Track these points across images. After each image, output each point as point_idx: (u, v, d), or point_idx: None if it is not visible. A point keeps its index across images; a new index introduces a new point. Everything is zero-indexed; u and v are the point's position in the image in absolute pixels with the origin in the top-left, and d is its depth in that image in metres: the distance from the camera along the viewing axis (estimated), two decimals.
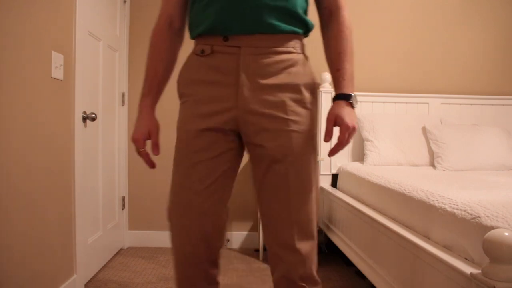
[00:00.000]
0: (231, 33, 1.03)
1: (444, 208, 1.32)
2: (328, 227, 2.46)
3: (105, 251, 2.46)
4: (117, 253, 2.70)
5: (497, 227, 1.05)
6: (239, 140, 1.10)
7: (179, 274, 1.09)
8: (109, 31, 2.47)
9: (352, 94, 1.07)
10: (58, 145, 1.80)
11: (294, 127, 1.04)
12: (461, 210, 1.24)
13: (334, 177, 2.70)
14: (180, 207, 1.06)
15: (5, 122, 1.42)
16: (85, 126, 2.09)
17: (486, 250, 0.93)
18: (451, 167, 2.38)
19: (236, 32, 1.03)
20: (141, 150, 1.12)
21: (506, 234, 0.91)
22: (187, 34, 1.17)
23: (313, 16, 1.13)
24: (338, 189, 2.58)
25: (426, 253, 1.25)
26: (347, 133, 1.03)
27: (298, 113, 1.05)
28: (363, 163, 2.58)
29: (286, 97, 1.04)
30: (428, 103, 2.89)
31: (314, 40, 1.16)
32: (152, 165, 1.15)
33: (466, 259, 1.15)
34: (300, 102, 1.05)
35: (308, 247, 1.07)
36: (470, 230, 1.16)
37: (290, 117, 1.04)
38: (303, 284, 1.06)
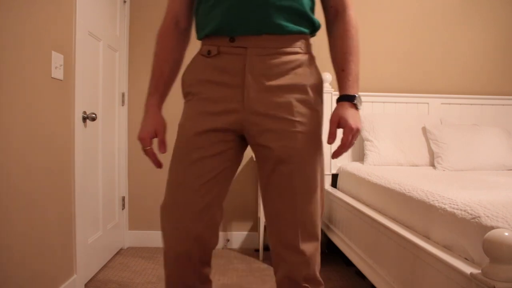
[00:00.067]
0: (238, 33, 1.02)
1: (444, 208, 1.32)
2: (328, 227, 2.46)
3: (105, 251, 2.46)
4: (117, 253, 2.70)
5: (497, 227, 1.05)
6: (240, 140, 1.09)
7: (171, 274, 1.07)
8: (109, 31, 2.47)
9: (357, 95, 1.05)
10: (58, 145, 1.80)
11: (300, 128, 1.03)
12: (461, 210, 1.24)
13: (334, 177, 2.70)
14: (175, 205, 1.05)
15: (5, 122, 1.42)
16: (85, 126, 2.09)
17: (486, 250, 0.93)
18: (451, 167, 2.38)
19: (242, 33, 1.02)
20: (147, 148, 1.12)
21: (506, 234, 0.91)
22: (193, 34, 1.17)
23: (318, 15, 1.12)
24: (338, 189, 2.58)
25: (426, 253, 1.25)
26: (351, 135, 1.02)
27: (304, 114, 1.04)
28: (363, 163, 2.58)
29: (292, 98, 1.03)
30: (428, 103, 2.89)
31: (315, 40, 1.15)
32: (158, 164, 1.14)
33: (466, 259, 1.15)
34: (307, 103, 1.05)
35: (312, 248, 1.06)
36: (470, 230, 1.16)
37: (296, 118, 1.03)
38: (307, 285, 1.06)
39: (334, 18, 1.11)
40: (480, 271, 0.97)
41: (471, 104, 2.91)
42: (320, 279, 1.09)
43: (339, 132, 1.04)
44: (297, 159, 1.03)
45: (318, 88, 1.09)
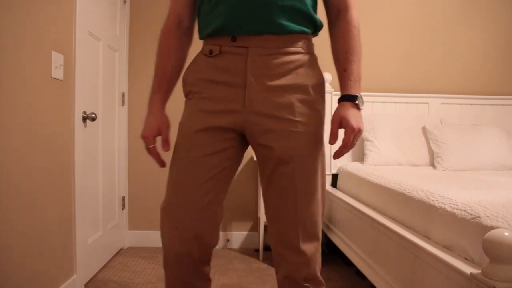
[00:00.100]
0: (240, 33, 1.02)
1: (444, 208, 1.32)
2: (328, 227, 2.46)
3: (105, 251, 2.46)
4: (117, 253, 2.70)
5: (497, 227, 1.05)
6: (241, 139, 1.09)
7: (171, 274, 1.07)
8: (109, 31, 2.47)
9: (358, 95, 1.05)
10: (58, 145, 1.80)
11: (301, 128, 1.03)
12: (461, 210, 1.24)
13: (334, 177, 2.70)
14: (175, 205, 1.05)
15: (5, 122, 1.42)
16: (85, 126, 2.09)
17: (486, 250, 0.93)
18: (451, 167, 2.38)
19: (244, 33, 1.02)
20: (151, 147, 1.11)
21: (506, 234, 0.91)
22: (196, 34, 1.16)
23: (319, 14, 1.11)
24: (338, 189, 2.58)
25: (426, 253, 1.25)
26: (353, 135, 1.01)
27: (305, 115, 1.04)
28: (363, 163, 2.58)
29: (294, 98, 1.03)
30: (428, 103, 2.89)
31: (316, 39, 1.15)
32: (161, 163, 1.13)
33: (466, 259, 1.15)
34: (308, 103, 1.05)
35: (312, 248, 1.06)
36: (470, 230, 1.16)
37: (298, 119, 1.03)
38: (308, 284, 1.06)
39: (336, 18, 1.11)
40: (480, 271, 0.97)
41: (471, 104, 2.91)
42: (321, 279, 1.09)
43: (341, 132, 1.03)
44: (298, 159, 1.03)
45: (319, 88, 1.09)
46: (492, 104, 2.92)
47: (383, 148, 2.54)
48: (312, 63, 1.08)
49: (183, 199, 1.04)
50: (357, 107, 1.04)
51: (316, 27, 1.10)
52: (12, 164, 1.46)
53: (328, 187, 2.63)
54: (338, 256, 2.62)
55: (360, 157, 2.76)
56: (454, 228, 1.24)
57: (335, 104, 1.09)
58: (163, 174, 2.90)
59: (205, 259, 1.08)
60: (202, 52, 1.10)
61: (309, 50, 1.08)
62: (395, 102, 2.88)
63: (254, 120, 1.03)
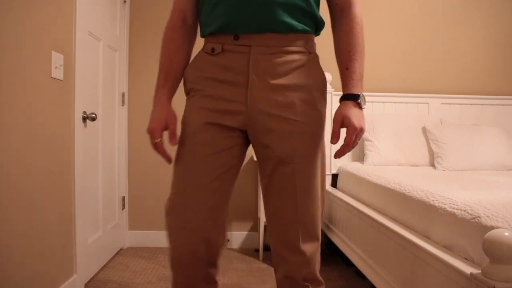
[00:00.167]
0: (242, 31, 1.02)
1: (444, 208, 1.32)
2: (328, 227, 2.46)
3: (105, 251, 2.46)
4: (117, 253, 2.70)
5: (497, 227, 1.05)
6: (244, 137, 1.08)
7: (177, 275, 1.06)
8: (109, 31, 2.47)
9: (360, 94, 1.04)
10: (58, 145, 1.80)
11: (302, 128, 1.03)
12: (461, 210, 1.24)
13: (334, 177, 2.70)
14: (181, 205, 1.04)
15: (5, 122, 1.42)
16: (85, 126, 2.09)
17: (486, 250, 0.93)
18: (451, 167, 2.38)
19: (246, 31, 1.01)
20: (158, 140, 1.07)
21: (506, 234, 0.91)
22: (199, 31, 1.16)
23: (321, 13, 1.11)
24: (338, 189, 2.58)
25: (426, 253, 1.25)
26: (355, 134, 1.01)
27: (307, 114, 1.04)
28: (363, 163, 2.58)
29: (295, 97, 1.02)
30: (428, 103, 2.89)
31: (317, 38, 1.15)
32: (168, 158, 1.09)
33: (466, 259, 1.15)
34: (309, 103, 1.04)
35: (312, 248, 1.06)
36: (470, 230, 1.16)
37: (299, 119, 1.02)
38: (307, 284, 1.06)
39: (340, 15, 1.10)
40: (480, 271, 0.97)
41: (471, 104, 2.91)
42: (321, 278, 1.09)
43: (342, 132, 1.03)
44: (299, 160, 1.03)
45: (321, 88, 1.08)
46: (492, 104, 2.92)
47: (383, 148, 2.55)
48: (314, 62, 1.08)
49: (189, 200, 1.03)
50: (359, 106, 1.03)
51: (318, 26, 1.10)
52: (12, 164, 1.46)
53: (328, 187, 2.63)
54: (338, 256, 2.62)
55: (360, 157, 2.76)
56: (454, 228, 1.24)
57: (335, 104, 1.08)
58: (163, 174, 2.92)
59: (213, 261, 1.08)
60: (203, 50, 1.09)
61: (311, 50, 1.08)
62: (395, 102, 2.88)
63: (256, 118, 1.03)
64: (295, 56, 1.03)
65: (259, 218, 2.69)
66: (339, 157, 1.04)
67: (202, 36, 1.12)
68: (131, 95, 2.84)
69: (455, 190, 1.47)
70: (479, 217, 1.15)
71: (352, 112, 1.02)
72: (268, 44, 1.02)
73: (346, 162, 2.71)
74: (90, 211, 2.20)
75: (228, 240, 2.90)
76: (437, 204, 1.37)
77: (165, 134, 1.09)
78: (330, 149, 2.53)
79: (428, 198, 1.44)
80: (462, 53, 3.00)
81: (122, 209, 2.79)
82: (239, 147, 1.07)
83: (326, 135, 1.13)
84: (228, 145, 1.05)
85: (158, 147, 1.08)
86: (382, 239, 1.60)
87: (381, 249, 1.62)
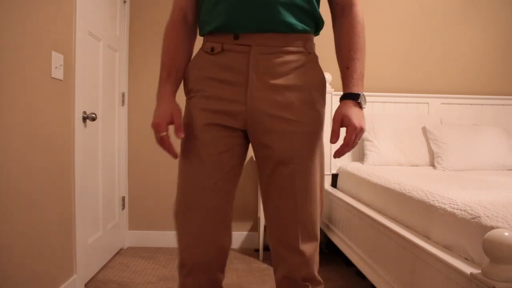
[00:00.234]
0: (242, 31, 1.01)
1: (444, 208, 1.32)
2: (328, 227, 2.46)
3: (105, 251, 2.46)
4: (117, 253, 2.70)
5: (497, 227, 1.05)
6: (245, 137, 1.08)
7: (187, 279, 1.05)
8: (109, 31, 2.47)
9: (361, 94, 1.03)
10: (58, 145, 1.80)
11: (301, 128, 1.03)
12: (461, 210, 1.24)
13: (334, 177, 2.70)
14: (188, 206, 1.04)
15: (5, 122, 1.42)
16: (85, 126, 2.09)
17: (486, 250, 0.93)
18: (451, 167, 2.38)
19: (246, 31, 1.01)
20: (164, 134, 1.04)
21: (506, 234, 0.91)
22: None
23: (322, 12, 1.10)
24: (338, 189, 2.58)
25: (426, 253, 1.25)
26: (354, 134, 1.00)
27: (306, 115, 1.03)
28: (363, 163, 2.58)
29: (294, 97, 1.02)
30: (428, 103, 2.89)
31: (317, 38, 1.15)
32: (174, 153, 1.07)
33: (466, 259, 1.15)
34: (309, 103, 1.04)
35: (311, 248, 1.07)
36: (470, 230, 1.16)
37: (298, 119, 1.02)
38: (307, 283, 1.06)
39: (340, 15, 1.10)
40: (480, 271, 0.97)
41: (471, 104, 2.91)
42: (320, 278, 1.10)
43: (342, 131, 1.02)
44: (298, 160, 1.03)
45: (320, 88, 1.08)
46: (492, 104, 2.92)
47: (383, 148, 2.55)
48: (314, 63, 1.08)
49: (195, 202, 1.03)
50: (359, 106, 1.03)
51: (318, 26, 1.09)
52: (12, 164, 1.46)
53: (328, 187, 2.63)
54: (338, 256, 2.62)
55: (360, 157, 2.76)
56: (454, 228, 1.24)
57: (335, 104, 1.08)
58: (163, 174, 2.92)
59: (221, 263, 1.08)
60: (203, 49, 1.09)
61: (311, 50, 1.08)
62: (395, 102, 2.88)
63: (255, 118, 1.02)
64: (295, 56, 1.03)
65: (259, 218, 2.69)
66: (338, 157, 1.03)
67: (201, 35, 1.12)
68: (131, 95, 2.84)
69: (455, 190, 1.47)
70: (479, 217, 1.15)
71: (352, 112, 1.01)
72: (268, 44, 1.01)
73: (346, 162, 2.71)
74: (90, 211, 2.20)
75: None
76: (437, 204, 1.37)
77: (170, 129, 1.06)
78: (330, 148, 2.53)
79: (428, 198, 1.44)
80: (462, 53, 3.00)
81: (122, 209, 2.79)
82: (240, 147, 1.08)
83: (325, 135, 1.13)
84: (230, 145, 1.05)
85: (164, 141, 1.05)
86: (382, 239, 1.60)
87: (381, 249, 1.62)
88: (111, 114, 2.56)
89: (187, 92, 1.11)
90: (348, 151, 1.03)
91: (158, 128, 1.04)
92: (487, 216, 1.12)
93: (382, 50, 2.95)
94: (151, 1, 2.83)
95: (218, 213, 1.04)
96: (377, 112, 2.82)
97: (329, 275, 2.32)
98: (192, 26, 1.14)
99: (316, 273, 1.08)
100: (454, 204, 1.29)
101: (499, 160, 2.45)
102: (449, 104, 2.89)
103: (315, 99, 1.05)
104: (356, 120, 1.00)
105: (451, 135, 2.50)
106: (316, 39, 1.13)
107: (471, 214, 1.18)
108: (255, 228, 2.93)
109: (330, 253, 2.69)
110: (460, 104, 2.90)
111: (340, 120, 1.03)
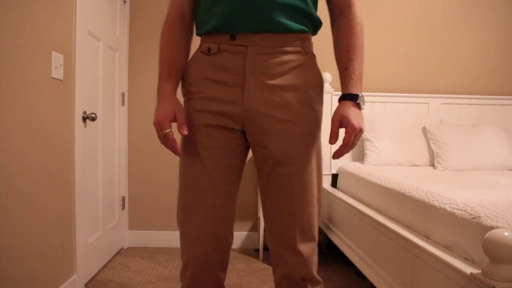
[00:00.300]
0: (239, 31, 1.01)
1: (444, 208, 1.32)
2: (328, 227, 2.46)
3: (105, 251, 2.46)
4: (117, 253, 2.70)
5: (497, 227, 1.05)
6: (244, 137, 1.08)
7: (189, 279, 1.05)
8: (109, 31, 2.47)
9: (359, 95, 1.03)
10: (58, 145, 1.80)
11: (298, 129, 1.03)
12: (461, 210, 1.24)
13: (334, 177, 2.70)
14: (189, 207, 1.05)
15: (5, 122, 1.42)
16: (85, 126, 2.09)
17: (486, 250, 0.93)
18: (451, 167, 2.38)
19: (243, 31, 1.01)
20: (168, 131, 1.02)
21: (506, 234, 0.91)
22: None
23: (320, 13, 1.10)
24: (338, 189, 2.58)
25: (426, 253, 1.25)
26: (353, 134, 1.00)
27: (303, 115, 1.03)
28: (363, 163, 2.58)
29: (292, 98, 1.02)
30: (428, 103, 2.89)
31: (316, 38, 1.15)
32: (178, 151, 1.05)
33: (466, 259, 1.15)
34: (306, 104, 1.04)
35: (309, 248, 1.07)
36: (470, 230, 1.16)
37: (295, 119, 1.02)
38: (306, 283, 1.07)
39: (339, 16, 1.10)
40: (480, 271, 0.97)
41: (471, 104, 2.91)
42: (319, 278, 1.10)
43: (341, 132, 1.02)
44: (296, 161, 1.03)
45: (318, 88, 1.08)
46: (492, 104, 2.92)
47: (383, 148, 2.55)
48: (311, 62, 1.08)
49: (197, 201, 1.03)
50: (358, 107, 1.03)
51: (315, 26, 1.09)
52: (12, 164, 1.46)
53: (328, 187, 2.63)
54: (338, 256, 2.62)
55: (360, 157, 2.76)
56: (454, 228, 1.24)
57: (335, 104, 1.08)
58: (163, 174, 2.92)
59: (223, 262, 1.08)
60: (200, 50, 1.09)
61: (308, 50, 1.08)
62: (395, 102, 2.88)
63: (253, 119, 1.03)
64: (292, 56, 1.03)
65: (259, 218, 2.69)
66: (338, 158, 1.03)
67: (198, 34, 1.11)
68: (131, 95, 2.84)
69: (455, 190, 1.47)
70: (479, 217, 1.15)
71: (351, 112, 1.01)
72: (264, 44, 1.01)
73: (346, 162, 2.71)
74: (90, 211, 2.20)
75: None
76: (437, 204, 1.37)
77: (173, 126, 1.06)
78: (329, 149, 2.53)
79: (428, 198, 1.44)
80: (462, 53, 3.00)
81: (122, 209, 2.79)
82: (240, 148, 1.08)
83: (324, 135, 1.13)
84: (230, 146, 1.05)
85: (167, 139, 1.03)
86: (382, 239, 1.60)
87: (381, 249, 1.62)
88: (111, 114, 2.56)
89: (185, 93, 1.11)
90: (347, 152, 1.03)
91: (161, 125, 1.02)
92: (487, 216, 1.12)
93: (382, 50, 2.95)
94: (151, 1, 2.83)
95: (218, 214, 1.04)
96: (377, 112, 2.82)
97: (329, 275, 2.32)
98: (189, 24, 1.14)
99: (315, 273, 1.09)
100: (454, 204, 1.29)
101: (499, 160, 2.45)
102: (449, 104, 2.90)
103: (312, 98, 1.05)
104: (355, 121, 1.00)
105: (451, 135, 2.50)
106: (315, 39, 1.13)
107: (471, 214, 1.18)
108: (255, 228, 2.93)
109: (330, 253, 2.69)
110: (460, 104, 2.90)
111: (339, 120, 1.03)
